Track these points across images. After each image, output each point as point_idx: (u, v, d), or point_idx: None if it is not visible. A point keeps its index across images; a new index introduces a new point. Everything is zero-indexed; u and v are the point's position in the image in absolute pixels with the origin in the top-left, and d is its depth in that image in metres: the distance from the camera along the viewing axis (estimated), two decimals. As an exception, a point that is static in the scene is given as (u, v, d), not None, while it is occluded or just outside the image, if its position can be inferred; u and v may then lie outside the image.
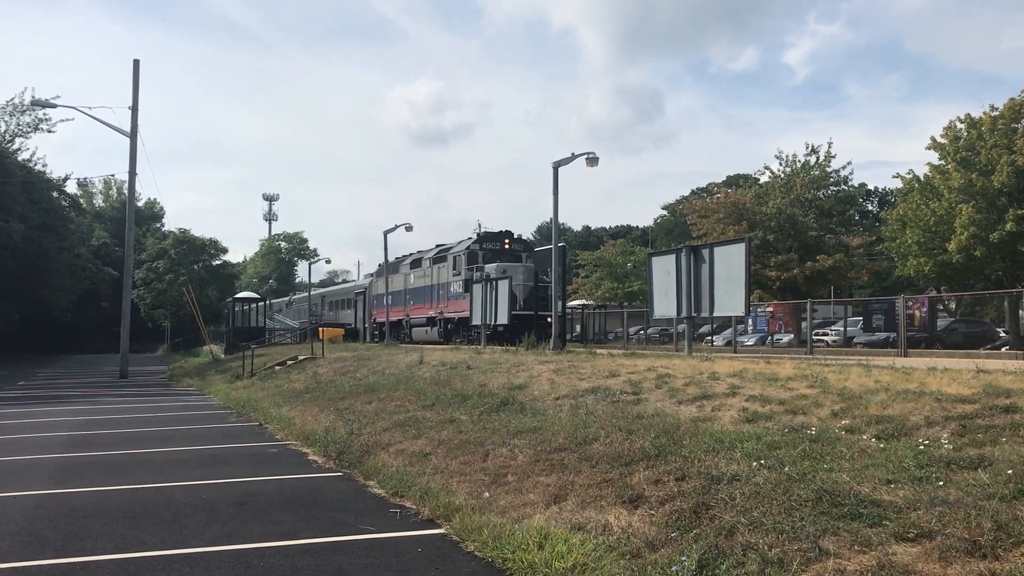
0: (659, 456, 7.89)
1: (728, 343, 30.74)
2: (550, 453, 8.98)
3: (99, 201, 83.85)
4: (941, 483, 5.86)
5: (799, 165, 38.53)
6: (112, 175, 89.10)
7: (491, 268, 28.96)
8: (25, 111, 45.54)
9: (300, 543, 7.13)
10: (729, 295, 14.89)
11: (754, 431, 8.15)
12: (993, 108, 31.23)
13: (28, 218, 42.13)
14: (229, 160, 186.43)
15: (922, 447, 6.70)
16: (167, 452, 12.84)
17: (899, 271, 36.33)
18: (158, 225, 77.06)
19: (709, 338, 36.83)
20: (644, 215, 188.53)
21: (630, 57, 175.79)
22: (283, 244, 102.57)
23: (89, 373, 39.37)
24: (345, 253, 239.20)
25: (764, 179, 41.20)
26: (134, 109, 35.97)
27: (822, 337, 31.49)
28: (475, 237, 32.76)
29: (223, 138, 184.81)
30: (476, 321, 25.90)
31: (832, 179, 38.01)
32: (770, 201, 37.01)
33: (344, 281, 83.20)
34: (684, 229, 56.62)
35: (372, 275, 49.04)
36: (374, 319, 42.85)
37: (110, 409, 20.59)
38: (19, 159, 45.66)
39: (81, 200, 64.77)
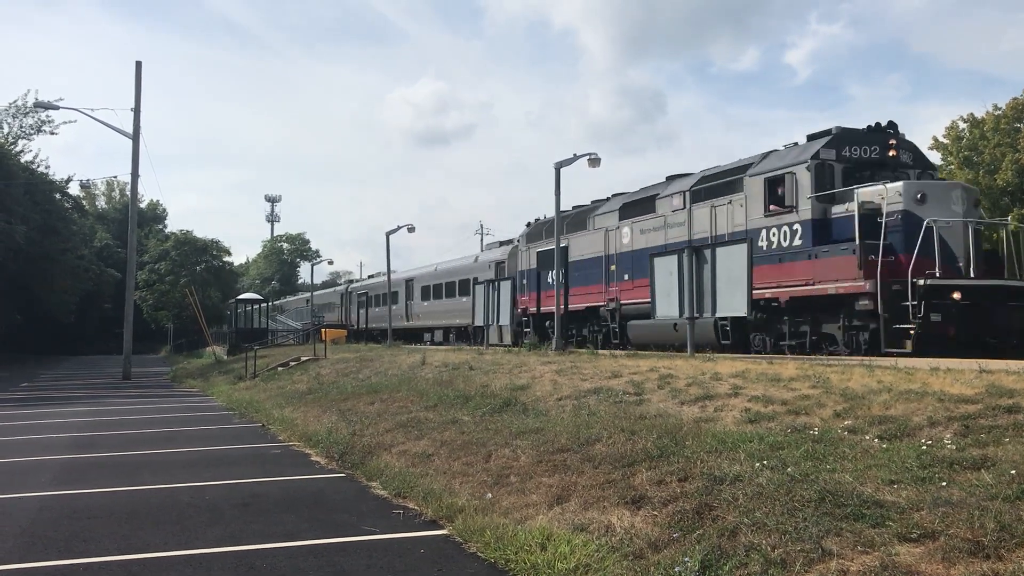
0: (661, 457, 7.88)
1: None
2: (552, 454, 8.99)
3: (102, 203, 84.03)
4: (944, 483, 5.86)
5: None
6: (115, 177, 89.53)
7: (867, 193, 15.56)
8: (28, 113, 45.71)
9: (303, 544, 7.14)
10: (731, 295, 14.88)
11: (757, 431, 8.15)
12: (996, 107, 31.23)
13: (31, 220, 42.20)
14: (231, 162, 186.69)
15: (925, 447, 6.69)
16: (170, 453, 12.86)
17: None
18: (160, 226, 77.24)
19: None
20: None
21: (632, 57, 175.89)
22: (285, 245, 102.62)
23: (92, 374, 39.42)
24: (348, 254, 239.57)
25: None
26: (136, 111, 36.03)
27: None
28: (821, 139, 17.24)
29: (225, 140, 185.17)
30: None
31: None
32: None
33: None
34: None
35: (517, 240, 30.09)
36: (524, 309, 26.54)
37: (113, 410, 20.62)
38: (22, 161, 45.77)
39: (84, 202, 64.95)
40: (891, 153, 16.95)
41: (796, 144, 17.77)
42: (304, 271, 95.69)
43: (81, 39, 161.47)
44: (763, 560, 5.34)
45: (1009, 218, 20.15)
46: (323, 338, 34.02)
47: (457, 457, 10.01)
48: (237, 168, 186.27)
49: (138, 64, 36.41)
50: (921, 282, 13.96)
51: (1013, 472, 5.76)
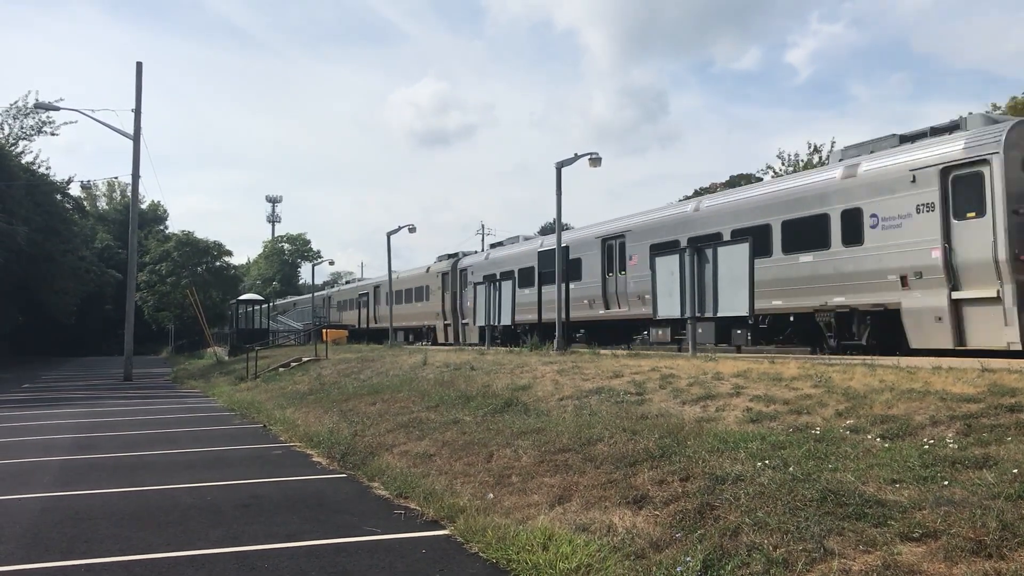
0: (663, 457, 7.88)
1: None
2: (554, 454, 8.98)
3: (103, 203, 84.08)
4: (946, 483, 5.85)
5: (801, 164, 38.50)
6: (115, 177, 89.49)
7: None
8: (29, 114, 45.78)
9: (304, 545, 7.14)
10: (733, 295, 14.87)
11: (758, 431, 8.14)
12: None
13: (32, 221, 42.26)
14: (232, 163, 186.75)
15: (927, 447, 6.69)
16: (171, 454, 12.86)
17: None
18: (162, 227, 77.29)
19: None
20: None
21: (634, 57, 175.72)
22: (286, 246, 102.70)
23: (93, 375, 39.44)
24: (349, 255, 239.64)
25: (767, 179, 41.15)
26: (137, 111, 36.07)
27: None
28: None
29: (226, 141, 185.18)
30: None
31: None
32: None
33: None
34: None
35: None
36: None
37: (114, 411, 20.63)
38: (22, 162, 45.85)
39: (85, 203, 65.01)
40: None
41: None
42: (305, 271, 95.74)
43: (82, 41, 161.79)
44: (765, 560, 5.34)
45: None
46: (324, 338, 34.02)
47: (458, 457, 10.01)
48: (238, 169, 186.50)
49: (139, 65, 36.46)
50: None
51: (1015, 471, 5.76)
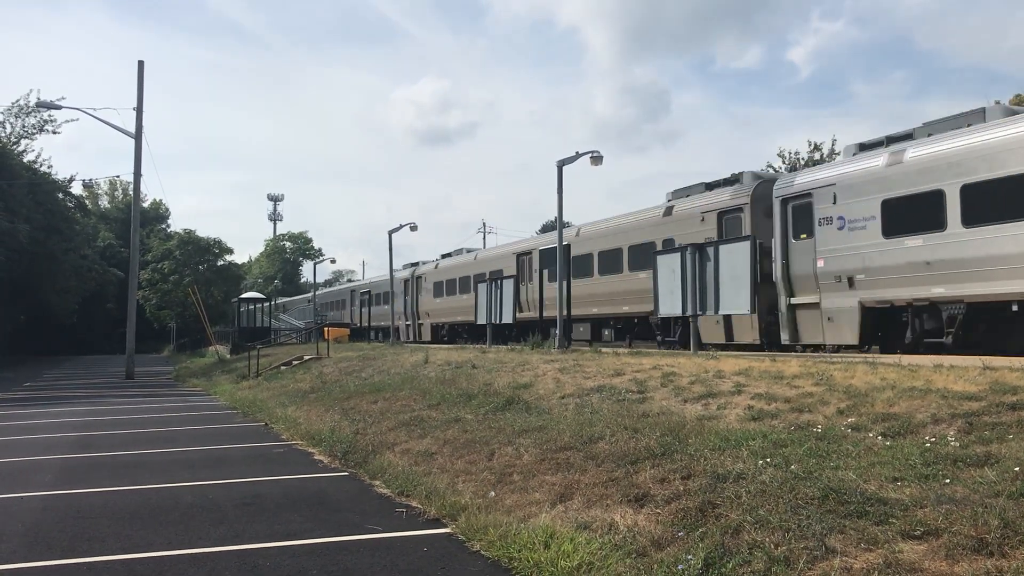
0: (665, 455, 7.88)
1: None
2: (555, 452, 8.98)
3: (104, 202, 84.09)
4: (948, 481, 5.85)
5: (802, 162, 38.49)
6: (117, 176, 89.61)
7: None
8: (30, 113, 45.77)
9: (306, 543, 7.14)
10: (735, 293, 14.88)
11: (760, 429, 8.14)
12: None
13: (33, 219, 42.27)
14: (234, 162, 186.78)
15: (928, 445, 6.68)
16: (173, 453, 12.87)
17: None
18: (163, 226, 77.35)
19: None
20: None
21: (636, 55, 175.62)
22: (288, 244, 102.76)
23: (95, 374, 39.49)
24: (351, 253, 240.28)
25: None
26: (139, 110, 36.09)
27: None
28: None
29: (228, 140, 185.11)
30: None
31: None
32: None
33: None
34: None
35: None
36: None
37: (116, 410, 20.66)
38: (24, 160, 45.85)
39: (86, 201, 64.96)
40: None
41: None
42: (307, 270, 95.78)
43: (84, 39, 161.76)
44: (766, 558, 5.34)
45: None
46: (326, 337, 34.03)
47: (460, 456, 10.01)
48: (240, 168, 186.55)
49: (140, 64, 36.47)
50: None
51: (1017, 469, 5.75)
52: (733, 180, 19.61)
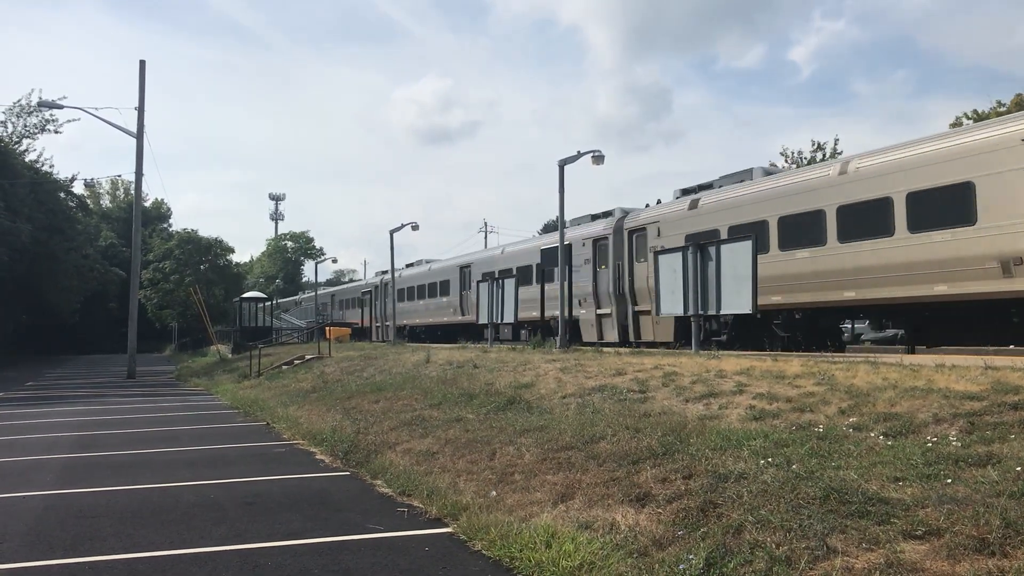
0: (666, 454, 7.88)
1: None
2: (557, 452, 8.98)
3: (106, 202, 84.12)
4: (949, 480, 5.84)
5: (805, 161, 38.49)
6: (119, 176, 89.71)
7: None
8: (32, 112, 45.79)
9: (307, 542, 7.14)
10: (736, 293, 14.85)
11: (761, 429, 8.13)
12: (1000, 104, 31.17)
13: (35, 219, 42.30)
14: (235, 161, 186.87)
15: (930, 444, 6.68)
16: (175, 452, 12.88)
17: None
18: (165, 225, 77.33)
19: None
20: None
21: (638, 54, 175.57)
22: (289, 244, 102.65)
23: (97, 373, 39.52)
24: (353, 253, 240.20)
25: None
26: (140, 110, 36.12)
27: None
28: None
29: (229, 139, 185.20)
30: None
31: None
32: None
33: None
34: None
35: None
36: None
37: (118, 409, 20.67)
38: (26, 160, 45.87)
39: (88, 201, 64.96)
40: None
41: None
42: (308, 269, 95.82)
43: (85, 39, 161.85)
44: (768, 557, 5.33)
45: None
46: (327, 336, 34.03)
47: (461, 455, 10.01)
48: (241, 167, 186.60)
49: (142, 63, 36.48)
50: None
51: (1019, 469, 5.75)
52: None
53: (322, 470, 11.00)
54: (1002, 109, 31.03)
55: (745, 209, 18.14)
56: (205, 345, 55.68)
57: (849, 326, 23.68)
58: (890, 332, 23.29)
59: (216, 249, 59.11)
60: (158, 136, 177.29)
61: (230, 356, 41.67)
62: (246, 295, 51.69)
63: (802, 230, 16.48)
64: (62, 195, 49.74)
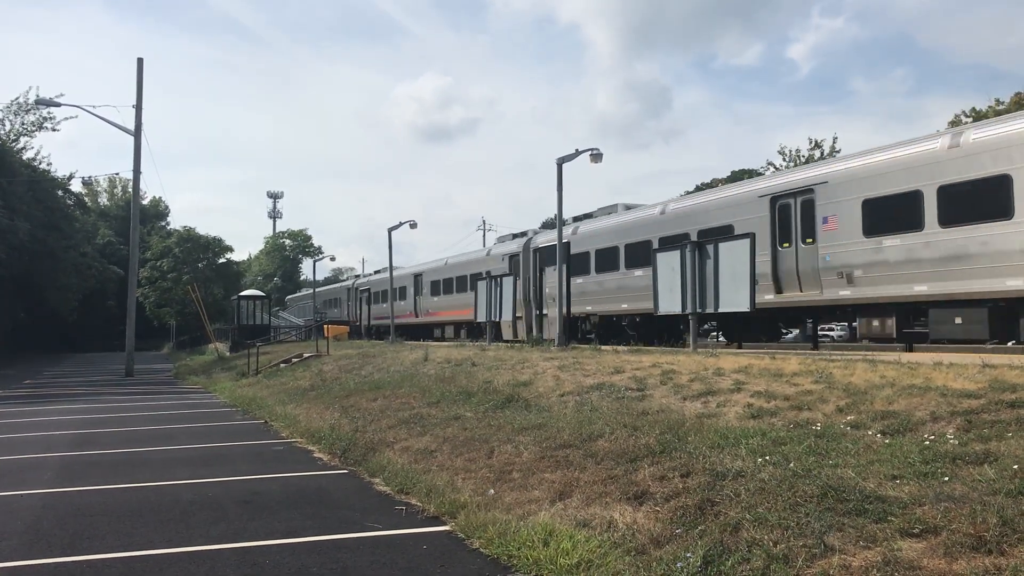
0: (664, 452, 7.89)
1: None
2: (555, 450, 8.99)
3: (104, 200, 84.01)
4: (946, 478, 5.85)
5: (803, 159, 38.49)
6: (117, 173, 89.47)
7: None
8: (30, 110, 45.70)
9: (306, 541, 7.14)
10: (734, 291, 14.85)
11: (759, 427, 8.14)
12: (998, 102, 31.19)
13: (33, 217, 42.23)
14: (234, 159, 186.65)
15: (927, 442, 6.69)
16: (173, 450, 12.88)
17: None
18: (163, 223, 77.22)
19: (714, 334, 36.80)
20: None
21: (638, 52, 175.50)
22: (288, 242, 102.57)
23: (95, 371, 39.50)
24: (351, 251, 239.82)
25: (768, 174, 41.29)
26: (138, 107, 36.06)
27: (827, 333, 31.44)
28: None
29: (228, 137, 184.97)
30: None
31: None
32: None
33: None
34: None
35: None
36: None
37: (116, 407, 20.66)
38: (24, 158, 45.79)
39: (86, 198, 64.96)
40: None
41: None
42: (307, 267, 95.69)
43: (83, 37, 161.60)
44: (765, 555, 5.34)
45: None
46: (326, 334, 34.02)
47: (460, 453, 10.02)
48: (240, 165, 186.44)
49: (140, 61, 36.47)
50: None
51: (1016, 467, 5.76)
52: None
53: (320, 468, 11.01)
54: (1001, 108, 31.03)
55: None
56: (203, 343, 55.66)
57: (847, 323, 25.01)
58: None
59: (214, 247, 59.07)
60: (156, 134, 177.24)
61: (228, 354, 41.66)
62: (244, 293, 51.63)
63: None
64: (60, 193, 49.66)
